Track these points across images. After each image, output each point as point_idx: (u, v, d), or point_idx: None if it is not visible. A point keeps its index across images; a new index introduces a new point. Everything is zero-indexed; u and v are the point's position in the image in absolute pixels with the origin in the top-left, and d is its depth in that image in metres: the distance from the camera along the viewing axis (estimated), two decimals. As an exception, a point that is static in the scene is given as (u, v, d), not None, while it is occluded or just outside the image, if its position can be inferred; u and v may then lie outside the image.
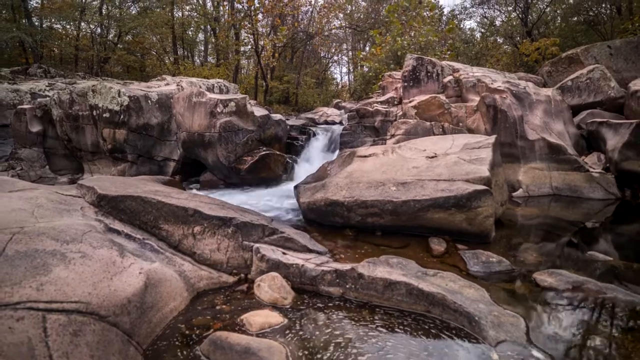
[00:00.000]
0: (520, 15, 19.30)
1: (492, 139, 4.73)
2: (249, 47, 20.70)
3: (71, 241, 2.19)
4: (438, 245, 3.48)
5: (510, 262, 3.14)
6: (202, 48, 26.46)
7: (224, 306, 2.51)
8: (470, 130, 6.47)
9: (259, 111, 7.12)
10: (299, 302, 2.58)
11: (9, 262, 1.84)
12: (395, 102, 8.13)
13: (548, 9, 19.68)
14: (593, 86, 7.73)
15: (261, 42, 18.80)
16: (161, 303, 2.27)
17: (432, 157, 4.47)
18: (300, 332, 2.21)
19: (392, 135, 6.67)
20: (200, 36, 26.04)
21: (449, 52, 13.96)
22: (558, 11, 20.13)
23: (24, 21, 18.06)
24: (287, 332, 2.21)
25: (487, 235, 3.64)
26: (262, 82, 19.81)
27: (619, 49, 9.12)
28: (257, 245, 3.01)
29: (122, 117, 6.39)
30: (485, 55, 17.45)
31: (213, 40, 22.34)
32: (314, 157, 7.44)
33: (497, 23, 20.79)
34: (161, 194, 3.33)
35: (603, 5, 18.42)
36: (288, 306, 2.52)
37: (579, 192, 5.62)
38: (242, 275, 2.94)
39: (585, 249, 3.60)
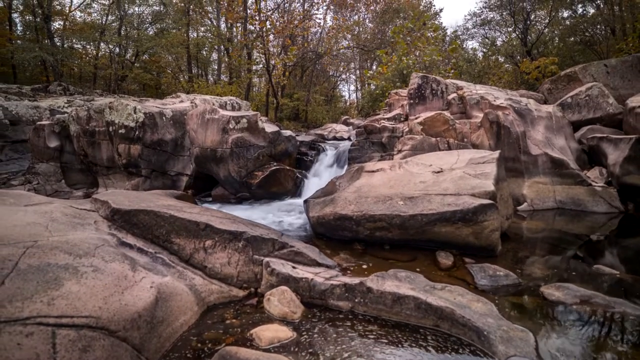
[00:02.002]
0: (520, 36, 19.37)
1: (496, 154, 4.65)
2: (261, 66, 20.88)
3: (84, 255, 2.14)
4: (445, 259, 3.38)
5: (517, 275, 3.04)
6: (216, 67, 26.74)
7: (234, 320, 2.43)
8: (475, 146, 6.39)
9: (270, 127, 7.10)
10: (308, 316, 2.49)
11: (21, 276, 1.78)
12: (402, 119, 8.08)
13: (546, 30, 19.74)
14: (592, 103, 7.64)
15: (272, 61, 18.96)
16: (171, 317, 2.19)
17: (438, 172, 4.40)
18: (310, 347, 2.12)
19: (399, 151, 6.60)
20: (214, 55, 26.36)
21: (452, 71, 13.96)
22: (556, 32, 20.19)
23: (46, 41, 18.40)
24: (297, 347, 2.13)
25: (494, 249, 3.54)
26: (273, 99, 19.92)
27: (615, 68, 9.07)
28: (267, 259, 2.94)
29: (137, 133, 6.39)
30: (488, 73, 17.43)
31: (226, 59, 22.59)
32: (323, 172, 7.38)
33: (498, 43, 20.86)
34: (174, 208, 3.28)
35: (598, 26, 18.46)
36: (297, 320, 2.43)
37: (583, 206, 5.49)
38: (252, 289, 2.86)
39: (592, 262, 3.48)
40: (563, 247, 4.04)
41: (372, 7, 25.11)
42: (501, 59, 19.30)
